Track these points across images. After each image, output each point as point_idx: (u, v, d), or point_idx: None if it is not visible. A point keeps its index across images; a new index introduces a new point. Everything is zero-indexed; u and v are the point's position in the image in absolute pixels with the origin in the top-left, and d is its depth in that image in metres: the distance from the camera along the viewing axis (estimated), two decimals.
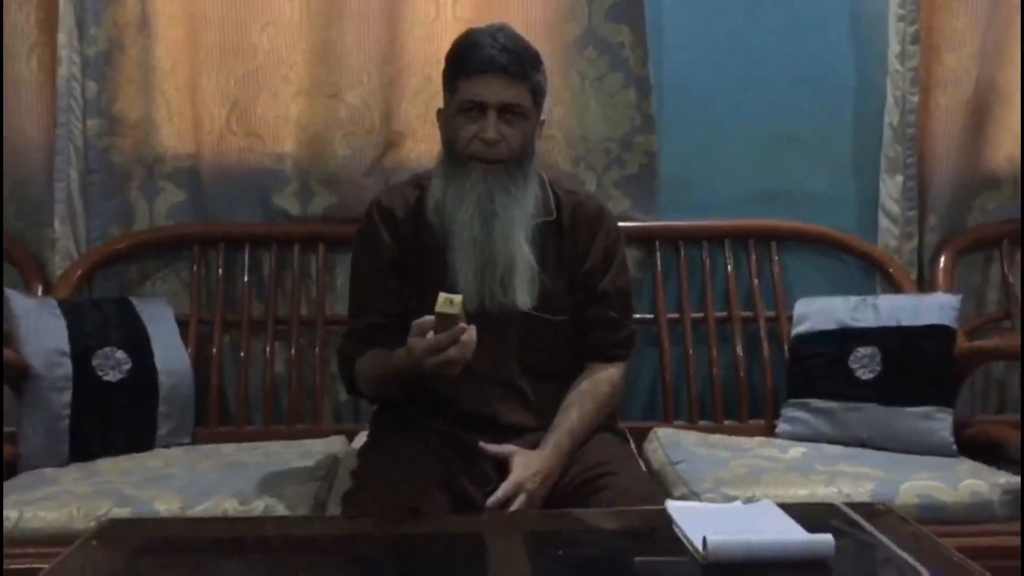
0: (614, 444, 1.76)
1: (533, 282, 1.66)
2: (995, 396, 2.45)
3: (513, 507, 1.53)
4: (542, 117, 1.75)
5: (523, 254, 1.65)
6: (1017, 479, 1.86)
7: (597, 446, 1.71)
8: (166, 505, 1.73)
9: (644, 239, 2.41)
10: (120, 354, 2.11)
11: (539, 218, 1.71)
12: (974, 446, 2.09)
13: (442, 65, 1.73)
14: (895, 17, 2.36)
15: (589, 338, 1.79)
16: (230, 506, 1.73)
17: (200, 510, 1.71)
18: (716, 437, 2.21)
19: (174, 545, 1.42)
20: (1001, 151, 2.44)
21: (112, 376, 2.09)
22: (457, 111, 1.65)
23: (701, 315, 2.39)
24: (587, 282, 1.77)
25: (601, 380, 1.76)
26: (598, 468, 1.63)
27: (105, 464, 1.99)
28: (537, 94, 1.68)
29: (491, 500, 1.54)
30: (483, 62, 1.62)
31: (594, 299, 1.77)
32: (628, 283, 1.84)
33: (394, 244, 1.74)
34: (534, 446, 1.65)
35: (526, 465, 1.58)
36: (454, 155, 1.67)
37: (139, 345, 2.14)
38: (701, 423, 2.33)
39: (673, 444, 2.09)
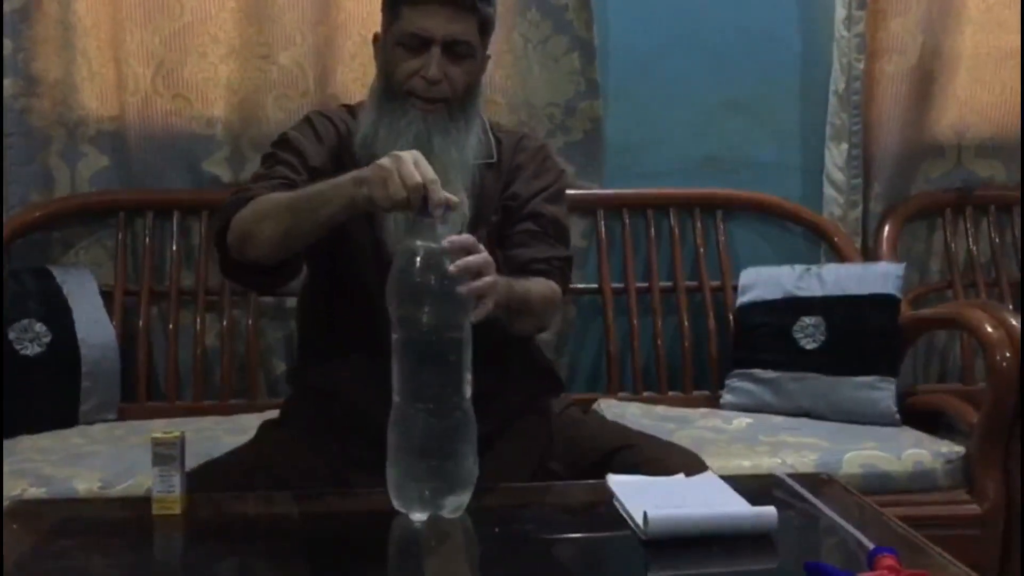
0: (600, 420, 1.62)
1: (464, 232, 1.43)
2: (937, 365, 2.46)
3: (480, 282, 1.25)
4: (488, 52, 1.60)
5: (460, 201, 1.46)
6: (960, 448, 1.86)
7: (585, 428, 1.58)
8: (85, 484, 1.66)
9: (588, 208, 2.36)
10: (39, 327, 2.02)
11: (479, 160, 1.57)
12: (915, 415, 2.09)
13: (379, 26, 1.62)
14: None
15: (512, 254, 1.55)
16: None
17: (121, 489, 1.64)
18: (661, 408, 2.19)
19: (89, 526, 1.35)
20: (944, 119, 2.44)
21: (31, 350, 2.00)
22: (397, 42, 1.51)
23: (646, 285, 2.36)
24: (511, 203, 1.58)
25: (535, 280, 1.52)
26: (604, 447, 1.50)
27: (24, 442, 1.91)
28: (486, 28, 1.54)
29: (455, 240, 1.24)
30: None
31: (519, 218, 1.57)
32: (565, 217, 1.65)
33: (327, 154, 1.55)
34: (494, 414, 1.46)
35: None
36: (391, 89, 1.53)
37: (60, 317, 2.05)
38: (646, 394, 2.30)
39: (618, 416, 2.05)
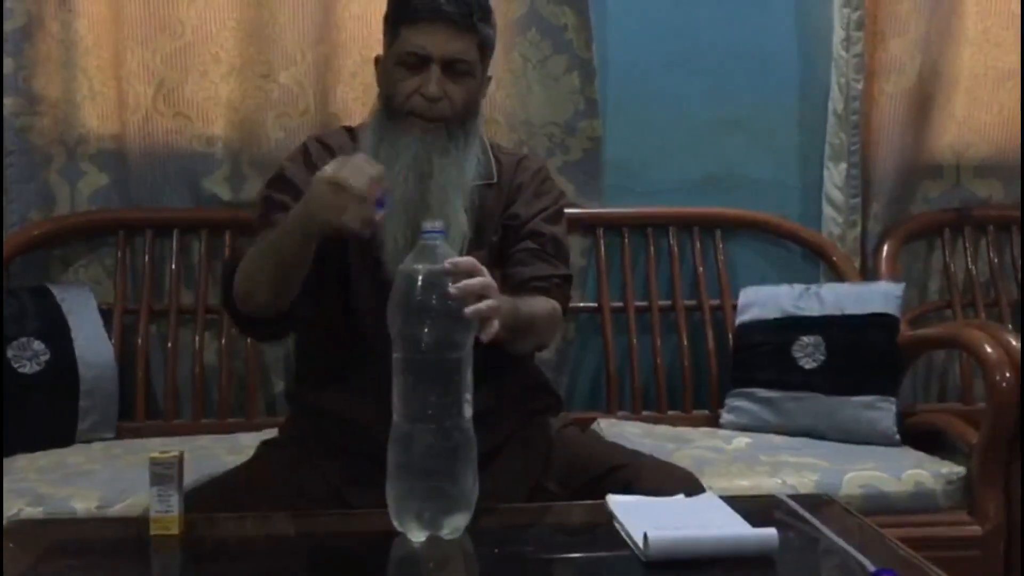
0: (597, 439, 1.62)
1: (464, 252, 1.47)
2: (937, 385, 2.45)
3: (484, 304, 1.24)
4: (488, 74, 1.61)
5: (457, 221, 1.51)
6: (961, 468, 1.86)
7: (581, 446, 1.57)
8: (83, 504, 1.65)
9: (587, 226, 2.36)
10: (37, 344, 2.01)
11: (479, 181, 1.58)
12: (915, 435, 2.09)
13: (380, 48, 1.62)
14: (839, 3, 2.36)
15: (511, 272, 1.57)
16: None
17: (119, 509, 1.63)
18: (660, 428, 2.18)
19: (86, 546, 1.34)
20: (943, 139, 2.45)
21: (29, 368, 1.99)
22: (397, 62, 1.52)
23: (645, 304, 2.36)
24: (511, 223, 1.60)
25: (537, 299, 1.53)
26: (599, 466, 1.50)
27: (21, 461, 1.90)
28: (485, 48, 1.55)
29: (455, 262, 1.23)
30: (429, 9, 1.49)
31: (519, 237, 1.59)
32: (565, 237, 1.66)
33: None
34: (493, 433, 1.47)
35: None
36: (391, 108, 1.54)
37: (58, 335, 2.05)
38: (645, 413, 2.30)
39: (617, 435, 2.05)
